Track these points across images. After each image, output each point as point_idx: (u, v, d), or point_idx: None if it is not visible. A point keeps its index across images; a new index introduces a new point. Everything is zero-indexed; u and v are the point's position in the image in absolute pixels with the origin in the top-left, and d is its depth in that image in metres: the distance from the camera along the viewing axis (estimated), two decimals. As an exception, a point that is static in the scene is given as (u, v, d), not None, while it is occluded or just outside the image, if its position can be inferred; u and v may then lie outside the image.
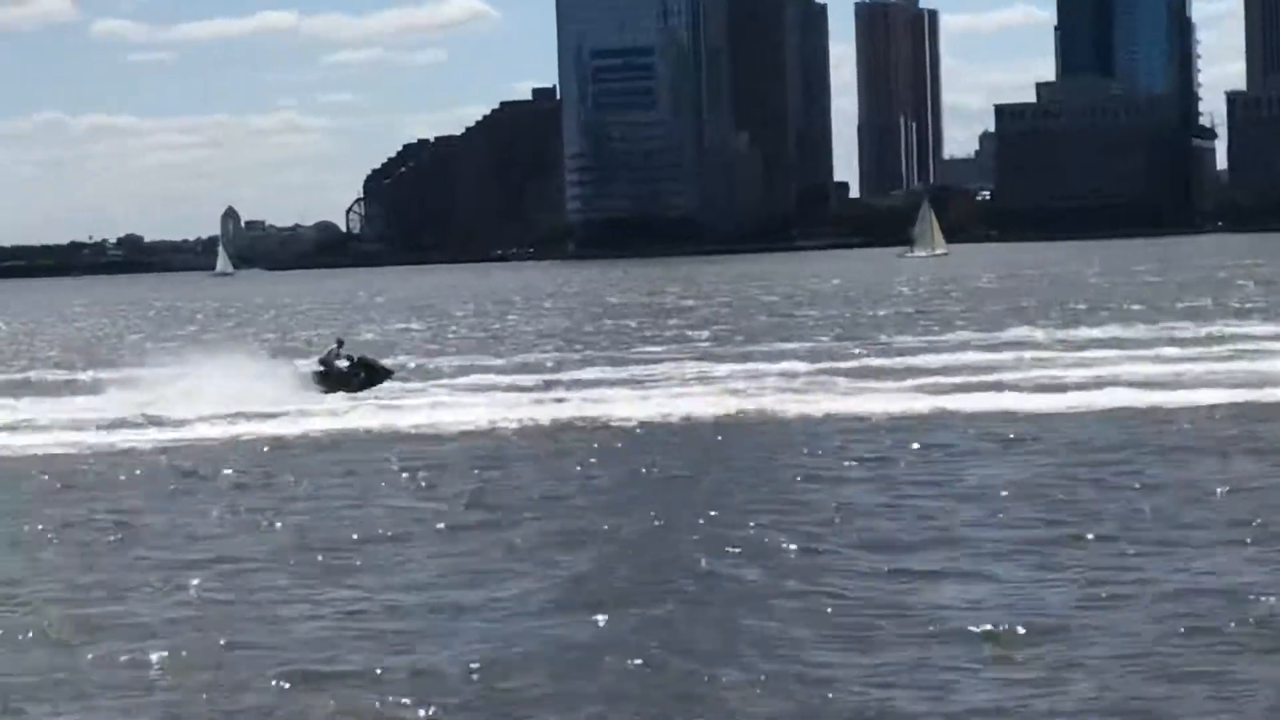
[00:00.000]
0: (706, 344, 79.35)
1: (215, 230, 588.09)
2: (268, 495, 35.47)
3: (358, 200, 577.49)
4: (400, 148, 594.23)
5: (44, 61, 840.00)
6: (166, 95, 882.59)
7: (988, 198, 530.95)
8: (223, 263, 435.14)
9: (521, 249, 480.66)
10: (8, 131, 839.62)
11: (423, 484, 36.14)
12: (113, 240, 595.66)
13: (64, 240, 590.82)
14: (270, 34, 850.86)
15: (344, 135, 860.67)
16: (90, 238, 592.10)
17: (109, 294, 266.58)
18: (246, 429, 47.44)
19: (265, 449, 43.53)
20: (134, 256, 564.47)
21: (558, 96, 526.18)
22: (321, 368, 57.62)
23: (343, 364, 57.54)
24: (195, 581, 25.94)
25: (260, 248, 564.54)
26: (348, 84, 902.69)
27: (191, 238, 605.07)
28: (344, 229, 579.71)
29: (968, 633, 21.15)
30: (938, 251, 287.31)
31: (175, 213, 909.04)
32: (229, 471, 39.23)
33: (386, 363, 61.05)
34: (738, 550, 26.78)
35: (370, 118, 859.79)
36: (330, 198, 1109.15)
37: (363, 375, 56.98)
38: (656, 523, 29.84)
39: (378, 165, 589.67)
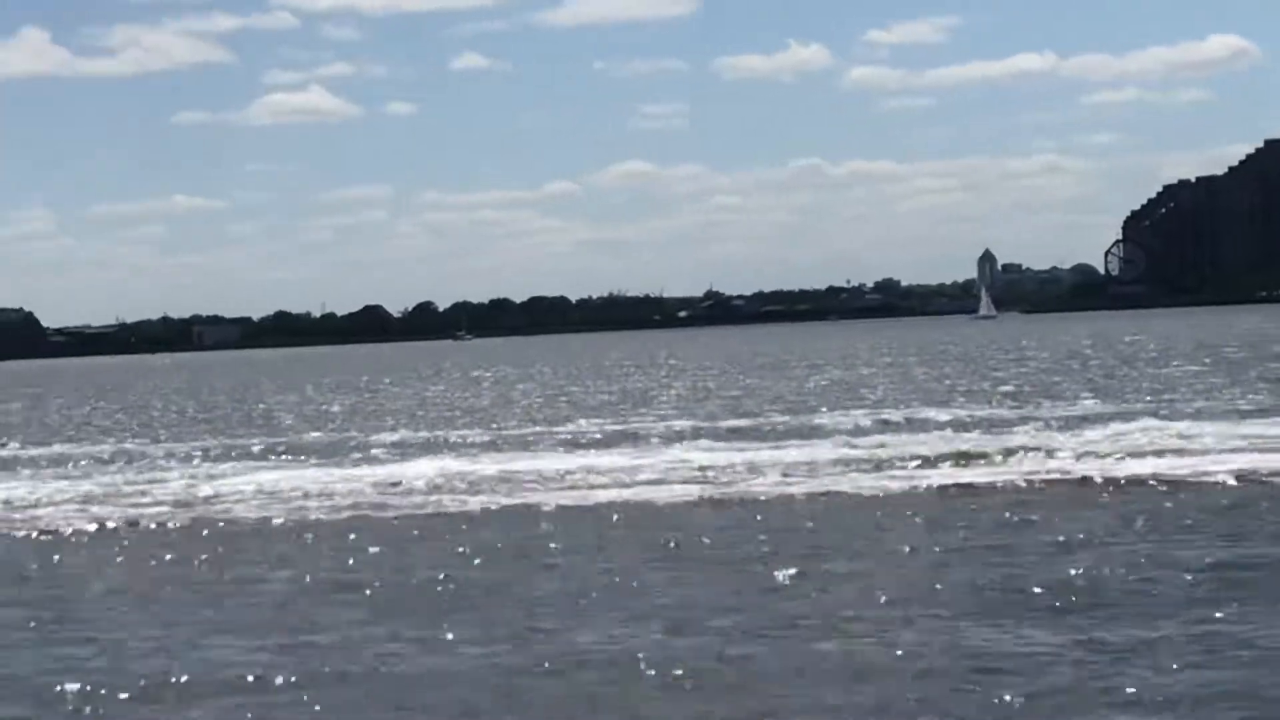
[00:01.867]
0: None
1: (970, 273, 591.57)
2: None
3: (1116, 242, 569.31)
4: (1160, 188, 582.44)
5: (802, 109, 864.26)
6: (922, 139, 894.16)
7: None
8: (985, 306, 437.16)
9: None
10: (768, 179, 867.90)
11: None
12: (869, 284, 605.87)
13: (820, 285, 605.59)
14: (1028, 76, 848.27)
15: (1102, 176, 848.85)
16: (848, 282, 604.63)
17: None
18: None
19: None
20: (890, 300, 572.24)
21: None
22: None
23: None
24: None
25: (1016, 290, 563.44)
26: (1107, 124, 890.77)
27: (947, 281, 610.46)
28: (1102, 271, 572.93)
29: None
30: None
31: (930, 256, 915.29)
32: None
33: None
34: None
35: (1129, 158, 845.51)
36: (1088, 239, 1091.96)
37: None
38: None
39: (1137, 206, 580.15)
